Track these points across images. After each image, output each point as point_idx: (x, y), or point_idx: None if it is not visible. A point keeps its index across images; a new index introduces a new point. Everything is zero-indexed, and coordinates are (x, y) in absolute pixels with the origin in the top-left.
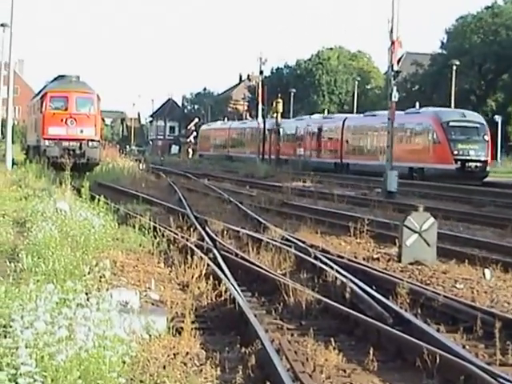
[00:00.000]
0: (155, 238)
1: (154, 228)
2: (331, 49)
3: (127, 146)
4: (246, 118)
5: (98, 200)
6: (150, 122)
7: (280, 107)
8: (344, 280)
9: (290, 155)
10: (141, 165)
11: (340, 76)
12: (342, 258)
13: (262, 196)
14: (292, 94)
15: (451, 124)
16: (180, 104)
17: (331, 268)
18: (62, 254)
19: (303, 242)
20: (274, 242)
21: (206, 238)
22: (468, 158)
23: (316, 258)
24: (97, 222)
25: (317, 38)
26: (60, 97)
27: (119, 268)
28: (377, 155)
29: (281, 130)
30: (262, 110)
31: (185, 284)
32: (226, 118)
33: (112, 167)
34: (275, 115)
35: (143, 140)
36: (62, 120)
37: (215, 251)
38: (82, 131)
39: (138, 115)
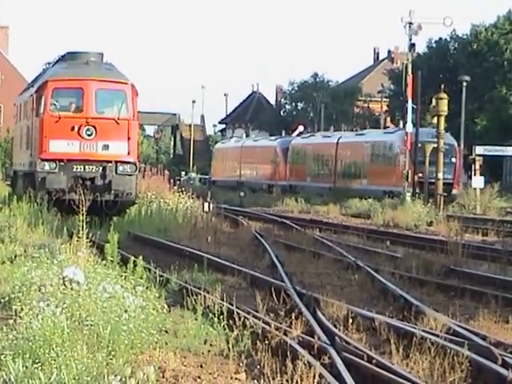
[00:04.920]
0: (231, 329)
1: (230, 313)
2: None
3: (182, 173)
4: (385, 125)
5: (134, 264)
6: (222, 131)
7: (444, 106)
8: None
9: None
10: (206, 204)
11: None
12: None
13: (413, 258)
14: (464, 84)
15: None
16: (273, 101)
17: None
18: (73, 356)
19: (483, 338)
20: (434, 338)
21: (318, 329)
22: (431, 180)
23: (506, 365)
24: (132, 301)
25: None
26: (70, 89)
27: (170, 380)
28: None
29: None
30: (413, 110)
31: None
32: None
33: (157, 208)
34: (436, 120)
35: (210, 162)
36: (72, 128)
37: (333, 353)
38: (106, 147)
39: (202, 120)
